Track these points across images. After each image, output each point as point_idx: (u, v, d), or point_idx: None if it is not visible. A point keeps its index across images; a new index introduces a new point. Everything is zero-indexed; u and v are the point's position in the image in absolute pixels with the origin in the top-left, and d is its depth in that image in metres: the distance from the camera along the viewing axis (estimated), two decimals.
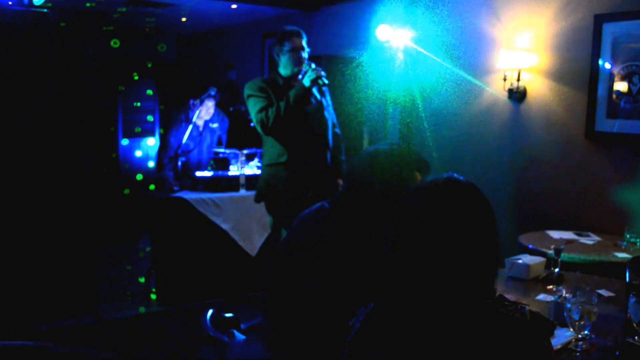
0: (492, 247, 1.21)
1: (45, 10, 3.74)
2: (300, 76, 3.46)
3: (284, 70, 3.53)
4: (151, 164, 6.77)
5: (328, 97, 3.65)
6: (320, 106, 3.56)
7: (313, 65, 3.40)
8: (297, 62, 3.47)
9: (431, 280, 1.17)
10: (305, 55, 3.50)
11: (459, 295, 1.16)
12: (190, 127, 4.78)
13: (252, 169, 4.72)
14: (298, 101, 3.34)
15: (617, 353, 1.74)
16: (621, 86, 3.58)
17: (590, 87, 3.73)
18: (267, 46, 6.83)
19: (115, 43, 7.57)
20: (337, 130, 3.76)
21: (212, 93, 4.83)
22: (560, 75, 3.94)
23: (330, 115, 3.65)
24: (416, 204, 1.24)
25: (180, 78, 7.45)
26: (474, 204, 1.22)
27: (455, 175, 1.26)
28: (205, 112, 4.87)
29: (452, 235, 1.18)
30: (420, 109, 4.98)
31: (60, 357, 1.20)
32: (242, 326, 2.00)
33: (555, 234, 3.51)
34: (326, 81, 3.37)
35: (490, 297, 1.23)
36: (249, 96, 3.49)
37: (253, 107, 3.46)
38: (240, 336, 1.81)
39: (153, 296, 4.64)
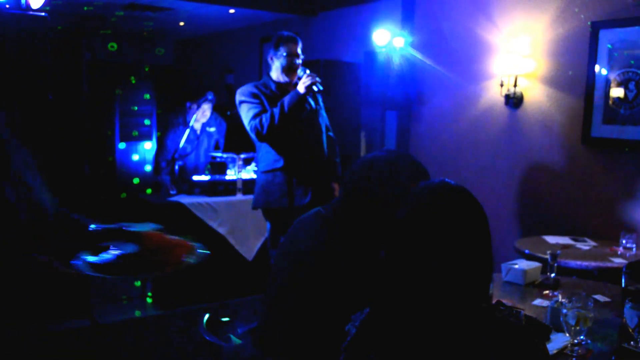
0: (486, 251, 1.21)
1: (43, 13, 3.75)
2: (294, 82, 3.45)
3: (276, 75, 3.51)
4: (148, 167, 6.76)
5: (320, 101, 3.64)
6: (314, 112, 3.55)
7: (308, 71, 3.38)
8: (291, 68, 3.45)
9: (426, 285, 1.17)
10: (299, 62, 3.48)
11: (454, 300, 1.17)
12: (188, 130, 4.79)
13: (249, 173, 4.72)
14: (292, 108, 3.32)
15: (613, 358, 1.74)
16: (618, 92, 3.60)
17: (587, 93, 3.74)
18: (265, 51, 6.84)
19: (112, 47, 7.58)
20: (331, 133, 3.75)
21: (210, 97, 4.84)
22: (557, 81, 3.96)
23: (323, 119, 3.65)
24: (409, 209, 1.24)
25: (177, 82, 7.45)
26: (467, 209, 1.22)
27: (447, 180, 1.27)
28: (201, 115, 4.88)
29: (445, 240, 1.18)
30: (417, 115, 4.99)
31: None
32: (239, 330, 2.00)
33: (551, 239, 3.51)
34: (321, 87, 3.35)
35: (485, 301, 1.23)
36: (242, 102, 3.48)
37: (246, 114, 3.44)
38: (236, 340, 1.80)
39: (149, 300, 4.63)
